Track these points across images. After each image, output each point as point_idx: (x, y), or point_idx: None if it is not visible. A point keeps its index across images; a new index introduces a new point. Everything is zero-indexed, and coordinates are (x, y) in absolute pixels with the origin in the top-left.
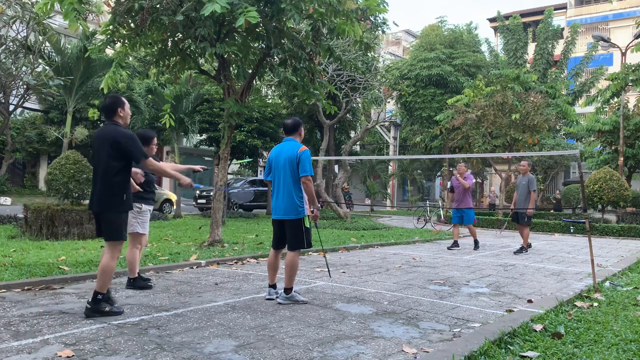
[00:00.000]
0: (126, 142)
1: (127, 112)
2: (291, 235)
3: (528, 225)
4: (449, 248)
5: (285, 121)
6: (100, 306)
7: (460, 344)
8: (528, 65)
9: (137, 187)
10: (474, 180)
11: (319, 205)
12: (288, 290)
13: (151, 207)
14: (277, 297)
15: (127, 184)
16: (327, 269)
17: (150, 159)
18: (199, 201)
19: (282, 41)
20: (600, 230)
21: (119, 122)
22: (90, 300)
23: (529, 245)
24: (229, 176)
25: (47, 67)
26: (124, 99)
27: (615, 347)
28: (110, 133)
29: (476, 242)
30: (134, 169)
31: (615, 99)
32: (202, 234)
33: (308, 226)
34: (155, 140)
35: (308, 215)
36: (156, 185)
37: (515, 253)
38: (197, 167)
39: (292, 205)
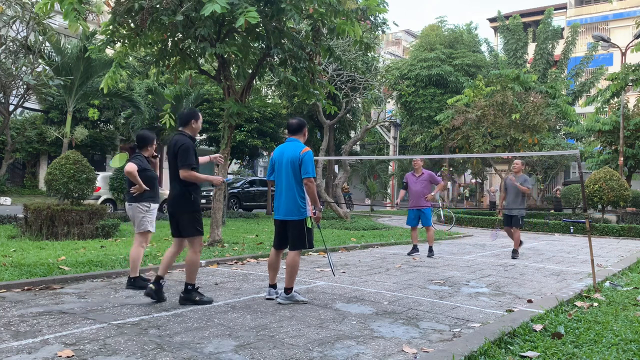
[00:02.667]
0: (179, 148)
1: (199, 126)
2: (293, 236)
3: (521, 227)
4: (408, 254)
5: (290, 121)
6: (191, 295)
7: (460, 344)
8: (528, 65)
9: (145, 186)
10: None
11: (321, 206)
12: (288, 290)
13: (157, 205)
14: (277, 297)
15: (195, 185)
16: (330, 267)
17: (188, 170)
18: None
19: (282, 41)
20: (600, 230)
21: (186, 132)
22: (182, 290)
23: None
24: (229, 176)
25: (47, 67)
26: (199, 113)
27: (615, 347)
28: (176, 141)
29: (430, 249)
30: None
31: (615, 99)
32: None
33: (310, 227)
34: (154, 142)
35: (310, 217)
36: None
37: (513, 258)
38: (216, 156)
39: (295, 206)
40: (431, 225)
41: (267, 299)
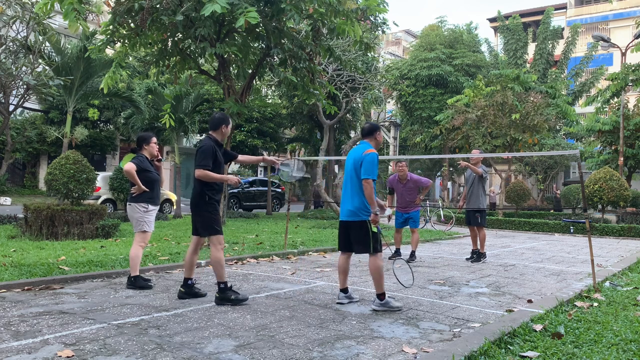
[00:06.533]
0: (198, 149)
1: (229, 130)
2: (357, 239)
3: (484, 226)
4: (390, 258)
5: (363, 125)
6: (226, 294)
7: (460, 344)
8: (528, 65)
9: (143, 187)
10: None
11: (377, 209)
12: (381, 296)
13: (157, 207)
14: (348, 302)
15: (211, 187)
16: (397, 280)
17: (202, 169)
18: None
19: (282, 41)
20: (600, 230)
21: (213, 136)
22: (217, 291)
23: (484, 255)
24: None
25: (47, 67)
26: (229, 119)
27: (615, 347)
28: (199, 143)
29: (412, 253)
30: (229, 176)
31: (615, 99)
32: None
33: (375, 231)
34: (154, 140)
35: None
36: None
37: (473, 262)
38: (272, 159)
39: (356, 207)
40: (418, 227)
41: (338, 303)
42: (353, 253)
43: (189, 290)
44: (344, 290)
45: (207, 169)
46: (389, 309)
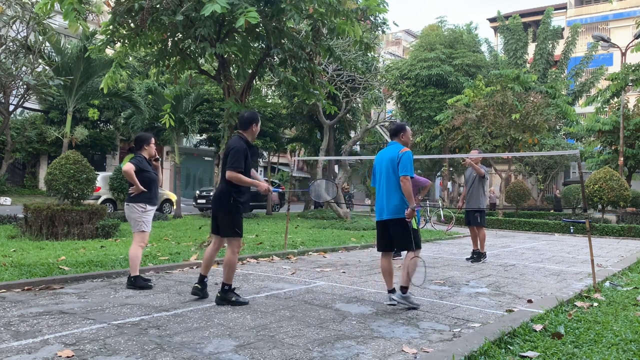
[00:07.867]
0: (230, 150)
1: (258, 129)
2: (397, 236)
3: (483, 226)
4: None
5: (390, 126)
6: (228, 296)
7: (460, 344)
8: (528, 65)
9: (142, 187)
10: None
11: (415, 205)
12: (404, 289)
13: (155, 207)
14: (398, 302)
15: (238, 188)
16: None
17: (234, 171)
18: (199, 201)
19: (282, 41)
20: (600, 230)
21: (244, 136)
22: (219, 290)
23: (484, 255)
24: None
25: (47, 67)
26: (259, 117)
27: (615, 347)
28: (230, 143)
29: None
30: (261, 182)
31: (615, 99)
32: (202, 234)
33: (415, 227)
34: (153, 141)
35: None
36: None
37: (473, 261)
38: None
39: (394, 205)
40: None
41: (389, 304)
42: (392, 253)
43: (204, 288)
44: (392, 291)
45: (239, 171)
46: (409, 305)
